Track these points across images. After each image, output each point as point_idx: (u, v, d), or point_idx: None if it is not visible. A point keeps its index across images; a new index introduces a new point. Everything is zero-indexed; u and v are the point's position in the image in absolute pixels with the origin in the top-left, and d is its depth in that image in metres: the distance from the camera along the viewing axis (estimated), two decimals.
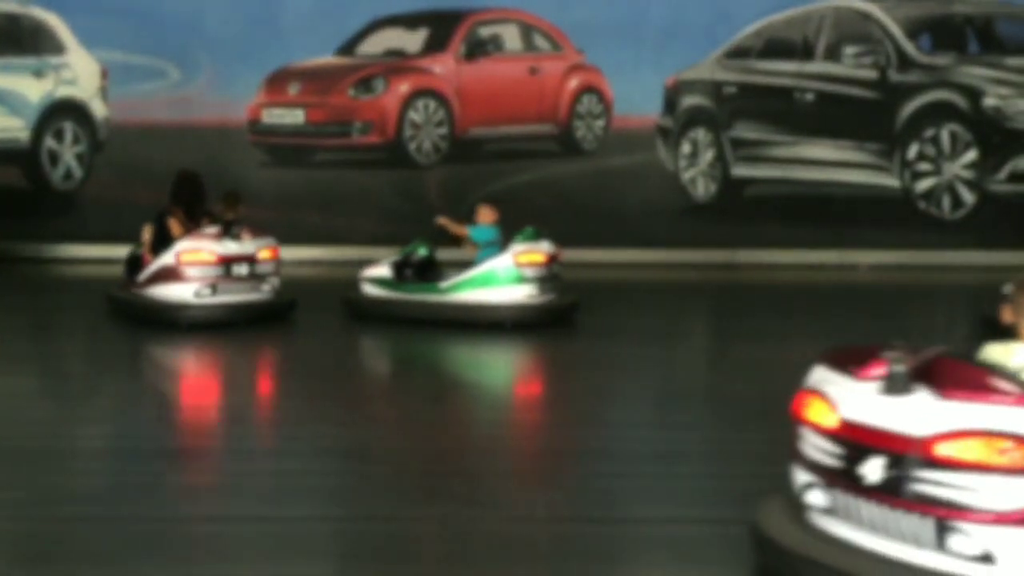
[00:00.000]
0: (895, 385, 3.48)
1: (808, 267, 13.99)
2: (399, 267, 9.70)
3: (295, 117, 14.51)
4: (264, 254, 9.51)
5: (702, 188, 14.61)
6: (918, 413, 3.41)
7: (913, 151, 14.00)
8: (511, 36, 14.78)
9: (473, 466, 5.71)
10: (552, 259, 9.46)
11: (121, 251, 10.40)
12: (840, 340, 9.40)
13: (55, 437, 6.27)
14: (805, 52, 14.28)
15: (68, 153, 14.73)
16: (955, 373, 3.47)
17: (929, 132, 13.93)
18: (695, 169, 14.63)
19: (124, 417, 6.91)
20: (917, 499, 3.35)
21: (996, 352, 3.66)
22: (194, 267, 9.12)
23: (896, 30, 13.99)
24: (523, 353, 8.97)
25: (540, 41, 14.77)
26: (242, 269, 9.31)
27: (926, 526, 3.35)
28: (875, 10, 14.06)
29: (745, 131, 14.46)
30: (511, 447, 6.10)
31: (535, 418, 6.80)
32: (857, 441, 3.54)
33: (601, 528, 4.83)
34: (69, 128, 14.69)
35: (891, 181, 14.12)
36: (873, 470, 3.47)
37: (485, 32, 14.69)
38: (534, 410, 6.99)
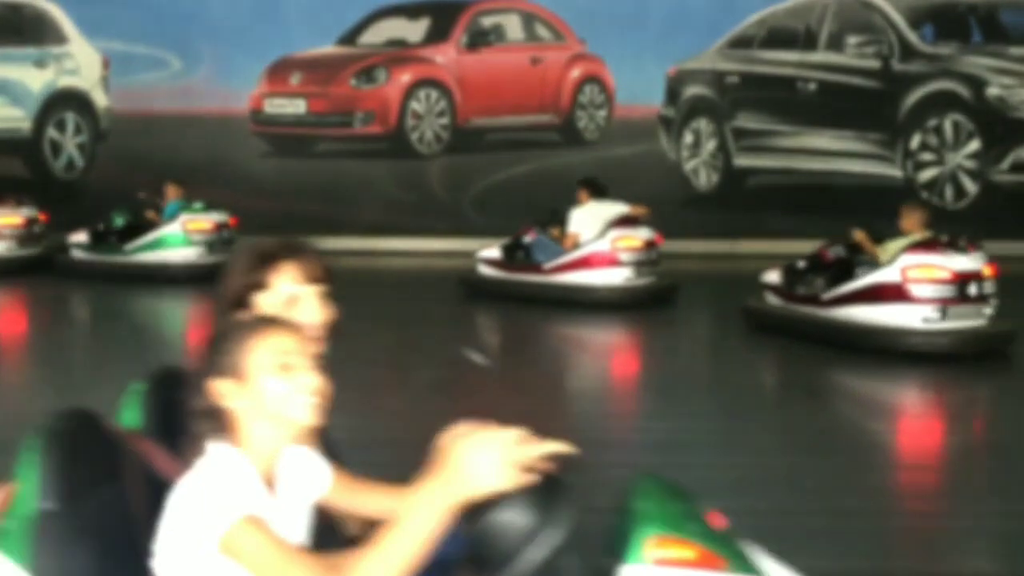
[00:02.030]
0: None
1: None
2: None
3: (297, 107, 14.50)
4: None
5: (704, 178, 14.60)
6: None
7: (916, 141, 13.98)
8: (513, 26, 14.76)
9: None
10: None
11: None
12: None
13: None
14: (808, 42, 14.26)
15: (70, 143, 14.73)
16: None
17: (932, 122, 13.91)
18: (697, 159, 14.61)
19: None
20: None
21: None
22: None
23: (899, 20, 13.96)
24: (511, 340, 8.97)
25: (542, 31, 14.75)
26: None
27: None
28: None
29: (747, 121, 14.44)
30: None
31: (535, 407, 6.80)
32: None
33: (600, 519, 4.82)
34: (71, 118, 14.69)
35: (894, 171, 14.11)
36: None
37: (487, 22, 14.67)
38: (535, 399, 7.00)
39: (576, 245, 9.90)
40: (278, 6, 14.59)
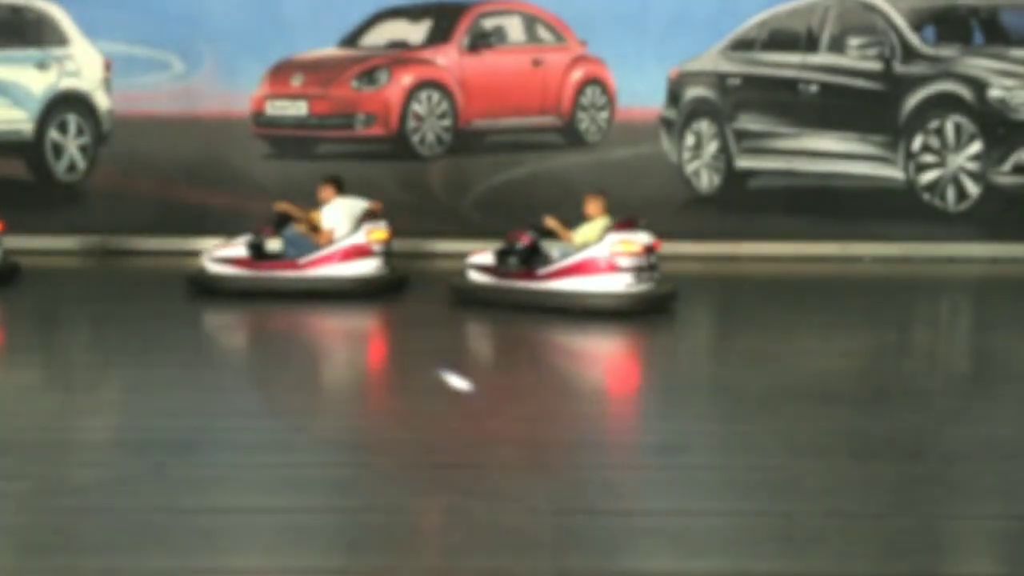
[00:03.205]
0: None
1: (812, 259, 13.97)
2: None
3: (298, 109, 14.49)
4: None
5: (706, 180, 14.59)
6: None
7: (917, 143, 13.96)
8: (514, 28, 14.76)
9: (476, 458, 5.71)
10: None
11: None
12: (844, 332, 9.42)
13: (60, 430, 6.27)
14: (809, 43, 14.25)
15: (72, 145, 14.73)
16: None
17: (934, 124, 13.89)
18: (699, 161, 14.60)
19: (132, 408, 6.91)
20: None
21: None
22: None
23: (900, 21, 13.96)
24: (518, 344, 8.97)
25: (543, 33, 14.75)
26: None
27: None
28: (879, 1, 14.02)
29: (749, 123, 14.43)
30: (514, 439, 6.09)
31: (536, 409, 6.79)
32: None
33: (602, 520, 4.82)
34: (72, 120, 14.68)
35: (895, 173, 14.09)
36: None
37: (488, 24, 14.67)
38: (535, 402, 6.99)
39: (331, 241, 10.51)
40: (280, 8, 14.59)
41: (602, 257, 9.59)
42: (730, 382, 7.64)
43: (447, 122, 14.52)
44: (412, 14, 14.80)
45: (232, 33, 14.50)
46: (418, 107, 14.40)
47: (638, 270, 9.67)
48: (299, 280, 10.45)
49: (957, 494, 5.25)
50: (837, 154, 14.27)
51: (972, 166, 13.94)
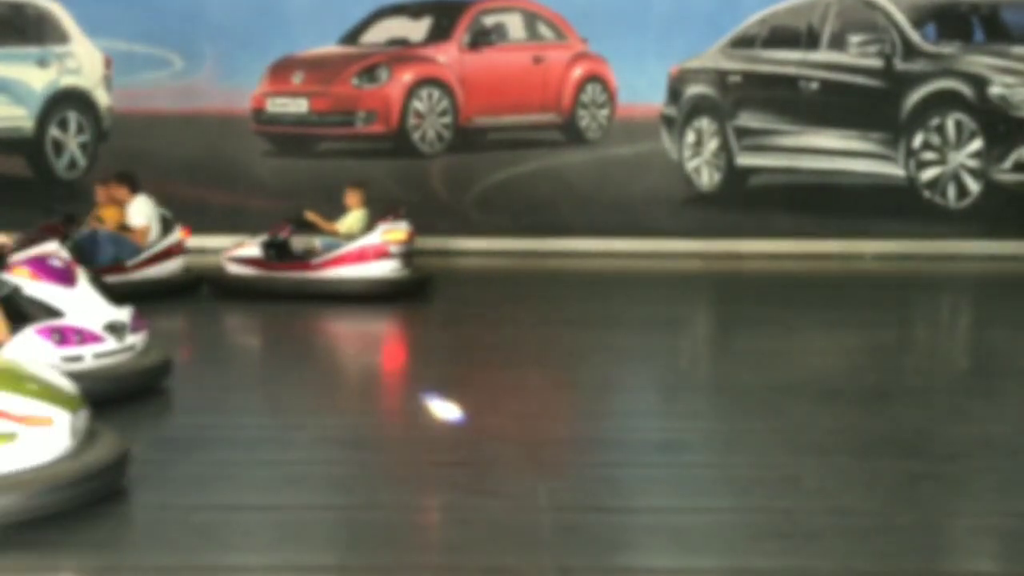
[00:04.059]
0: None
1: (813, 256, 13.97)
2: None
3: (299, 106, 14.49)
4: None
5: (706, 177, 14.59)
6: None
7: (918, 140, 13.96)
8: (515, 25, 14.75)
9: (476, 455, 5.71)
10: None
11: None
12: (845, 329, 9.42)
13: None
14: (810, 41, 14.24)
15: (72, 142, 14.73)
16: None
17: (934, 121, 13.89)
18: (699, 158, 14.60)
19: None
20: None
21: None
22: None
23: (901, 18, 13.95)
24: (523, 342, 8.97)
25: (544, 30, 14.74)
26: None
27: None
28: None
29: (750, 120, 14.43)
30: (514, 436, 6.09)
31: (538, 407, 6.79)
32: None
33: (603, 517, 4.83)
34: (73, 117, 14.69)
35: (896, 170, 14.09)
36: None
37: (489, 21, 14.66)
38: (538, 399, 6.99)
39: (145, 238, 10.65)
40: (280, 5, 14.58)
41: (374, 245, 10.32)
42: (730, 379, 7.64)
43: (448, 119, 14.51)
44: (412, 11, 14.80)
45: (232, 30, 14.49)
46: (419, 104, 14.40)
47: (403, 256, 10.46)
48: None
49: (958, 491, 5.26)
50: (838, 151, 14.27)
51: (973, 163, 13.94)
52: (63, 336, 6.46)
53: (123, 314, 6.80)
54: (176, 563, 4.31)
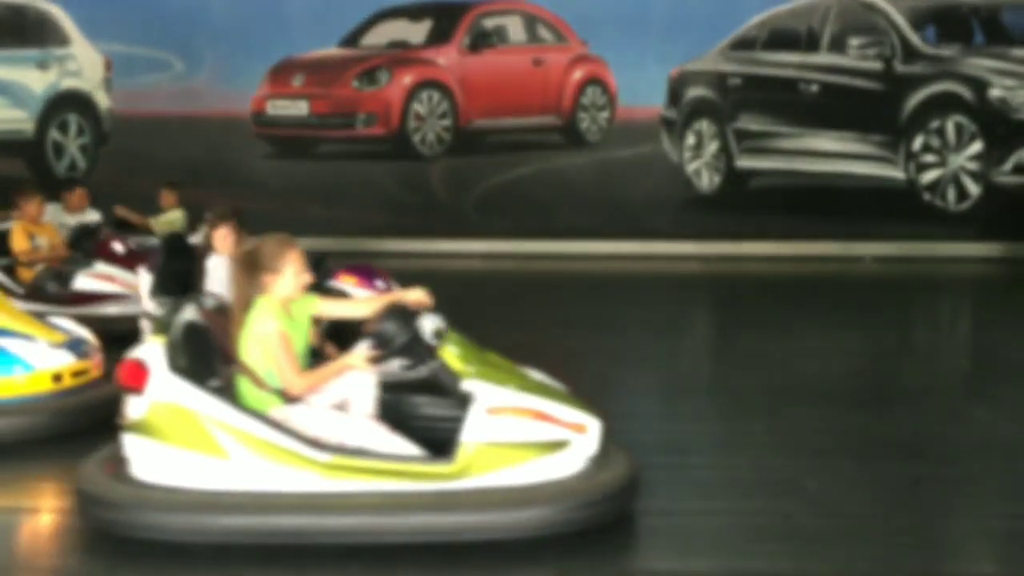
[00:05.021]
0: None
1: (812, 259, 13.98)
2: None
3: (299, 108, 14.50)
4: None
5: (706, 180, 14.59)
6: None
7: (918, 143, 13.96)
8: (515, 27, 14.76)
9: None
10: None
11: None
12: (844, 331, 9.42)
13: None
14: (810, 43, 14.25)
15: (72, 144, 14.74)
16: None
17: (934, 123, 13.89)
18: (699, 161, 14.61)
19: None
20: None
21: None
22: None
23: (901, 21, 13.95)
24: (523, 344, 8.97)
25: (544, 32, 14.75)
26: None
27: None
28: (880, 1, 14.02)
29: (749, 123, 14.44)
30: None
31: None
32: None
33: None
34: (73, 119, 14.70)
35: (896, 173, 14.09)
36: None
37: (489, 23, 14.67)
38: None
39: None
40: (280, 8, 14.59)
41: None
42: (730, 382, 7.64)
43: (448, 122, 14.52)
44: (413, 14, 14.81)
45: (233, 33, 14.50)
46: (419, 107, 14.40)
47: None
48: None
49: (958, 494, 5.26)
50: (838, 154, 14.27)
51: (973, 166, 13.94)
52: None
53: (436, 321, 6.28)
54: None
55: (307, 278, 4.84)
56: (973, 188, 14.02)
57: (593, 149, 14.69)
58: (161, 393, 4.51)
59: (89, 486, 4.52)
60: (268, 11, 14.55)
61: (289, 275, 4.76)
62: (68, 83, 14.61)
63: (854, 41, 14.05)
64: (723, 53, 14.45)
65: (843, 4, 14.17)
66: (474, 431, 4.47)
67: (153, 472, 4.49)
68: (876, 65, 14.01)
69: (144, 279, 7.31)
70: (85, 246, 9.11)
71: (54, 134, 14.66)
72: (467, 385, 4.62)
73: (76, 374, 6.18)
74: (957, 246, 13.97)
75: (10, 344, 6.09)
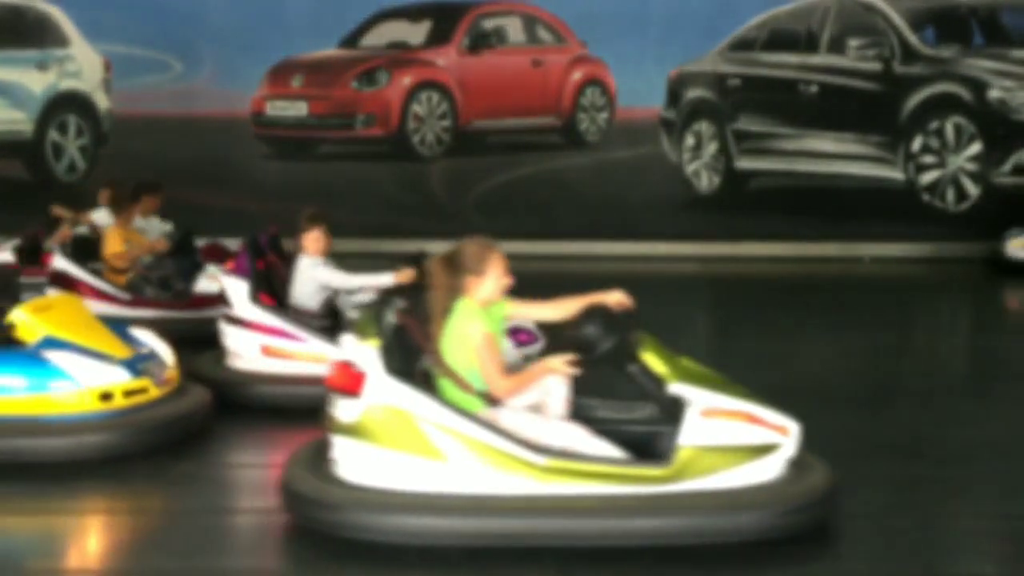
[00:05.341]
0: None
1: (812, 260, 13.98)
2: None
3: (298, 109, 14.50)
4: None
5: (705, 181, 14.60)
6: None
7: (917, 143, 13.97)
8: (514, 28, 14.77)
9: None
10: None
11: None
12: (844, 332, 9.43)
13: None
14: (809, 44, 14.26)
15: (72, 145, 14.74)
16: None
17: (933, 124, 13.90)
18: (698, 162, 14.61)
19: None
20: None
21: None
22: None
23: (900, 22, 13.96)
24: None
25: (543, 33, 14.75)
26: None
27: None
28: (879, 2, 14.03)
29: (749, 123, 14.44)
30: None
31: None
32: None
33: None
34: (72, 121, 14.70)
35: (895, 174, 14.10)
36: None
37: (488, 24, 14.67)
38: None
39: None
40: (280, 9, 14.59)
41: None
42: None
43: (447, 122, 14.52)
44: (412, 15, 14.81)
45: (232, 34, 14.50)
46: (418, 107, 14.41)
47: None
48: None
49: (958, 494, 5.25)
50: (837, 155, 14.28)
51: (972, 167, 13.95)
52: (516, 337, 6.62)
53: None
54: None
55: (508, 281, 4.81)
56: (972, 189, 14.03)
57: (592, 150, 14.69)
58: (377, 396, 4.48)
59: (302, 486, 4.50)
60: (268, 12, 14.56)
61: (492, 278, 4.75)
62: (67, 84, 14.61)
63: (853, 42, 14.06)
64: (722, 54, 14.46)
65: (842, 5, 14.17)
66: (689, 434, 4.48)
67: (363, 474, 4.48)
68: (875, 66, 14.02)
69: (234, 284, 7.03)
70: (185, 249, 8.94)
71: (53, 135, 14.66)
72: (675, 389, 4.66)
73: (130, 393, 5.64)
74: (956, 247, 13.97)
75: (61, 358, 5.59)
